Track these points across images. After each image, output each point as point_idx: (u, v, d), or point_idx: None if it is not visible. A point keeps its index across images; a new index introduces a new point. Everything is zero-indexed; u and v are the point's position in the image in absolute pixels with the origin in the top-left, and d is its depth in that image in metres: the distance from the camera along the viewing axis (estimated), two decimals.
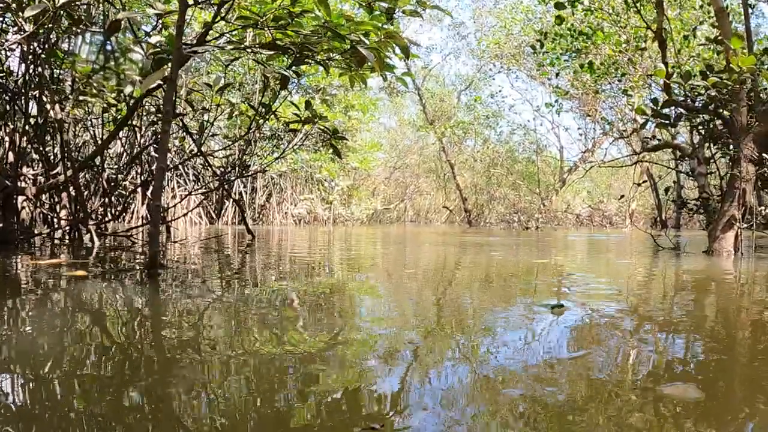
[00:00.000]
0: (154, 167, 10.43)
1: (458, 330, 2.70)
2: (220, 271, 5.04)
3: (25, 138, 6.98)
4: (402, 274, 5.25)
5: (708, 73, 6.79)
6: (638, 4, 9.31)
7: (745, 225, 7.36)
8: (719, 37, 7.58)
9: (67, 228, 7.29)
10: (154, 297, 3.46)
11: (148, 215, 7.64)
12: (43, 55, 6.58)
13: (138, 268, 4.88)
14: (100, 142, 7.59)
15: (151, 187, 13.06)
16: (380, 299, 3.74)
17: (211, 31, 5.69)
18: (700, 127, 8.99)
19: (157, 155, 12.33)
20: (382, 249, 8.86)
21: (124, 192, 9.76)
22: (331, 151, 7.04)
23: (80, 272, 4.31)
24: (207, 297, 3.47)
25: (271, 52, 5.45)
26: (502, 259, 6.94)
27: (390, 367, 2.05)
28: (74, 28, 6.50)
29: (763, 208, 7.70)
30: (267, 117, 7.07)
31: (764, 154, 7.10)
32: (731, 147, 7.68)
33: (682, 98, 8.26)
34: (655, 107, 7.73)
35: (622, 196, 18.19)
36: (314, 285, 4.16)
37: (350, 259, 6.86)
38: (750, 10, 8.13)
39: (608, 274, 5.74)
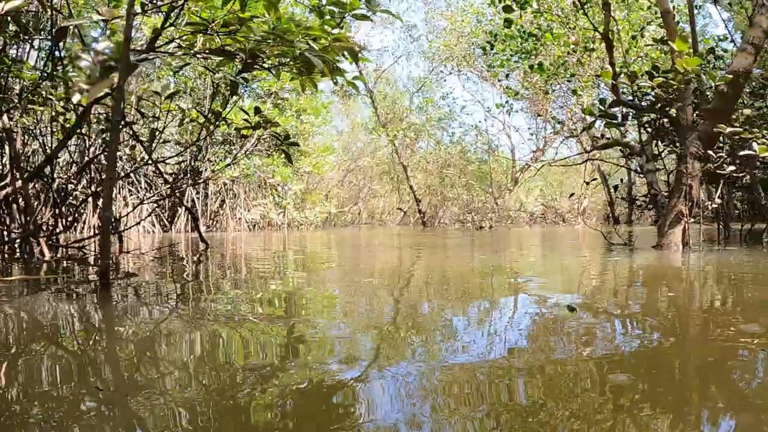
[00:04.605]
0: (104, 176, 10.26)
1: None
2: (177, 284, 4.99)
3: None
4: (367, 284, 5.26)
5: (654, 73, 6.94)
6: (586, 6, 9.47)
7: (693, 219, 7.53)
8: (665, 38, 7.76)
9: (17, 241, 7.14)
10: (107, 312, 3.42)
11: (99, 226, 7.52)
12: None
13: (91, 280, 4.80)
14: (49, 151, 7.45)
15: (101, 197, 12.86)
16: (337, 313, 3.75)
17: (160, 37, 5.63)
18: (647, 126, 9.19)
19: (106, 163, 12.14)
20: (338, 255, 8.86)
21: (74, 202, 9.59)
22: (283, 156, 7.01)
23: (30, 287, 4.24)
24: (160, 313, 3.44)
25: (221, 58, 5.42)
26: (465, 262, 7.00)
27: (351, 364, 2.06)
28: (21, 35, 6.38)
29: (710, 202, 7.89)
30: (217, 123, 7.02)
31: (709, 151, 7.28)
32: (678, 144, 7.86)
33: (629, 98, 8.42)
34: (602, 107, 7.87)
35: (573, 194, 18.45)
36: (269, 300, 4.16)
37: (305, 268, 6.86)
38: (696, 11, 8.34)
39: (563, 272, 5.83)
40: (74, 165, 10.68)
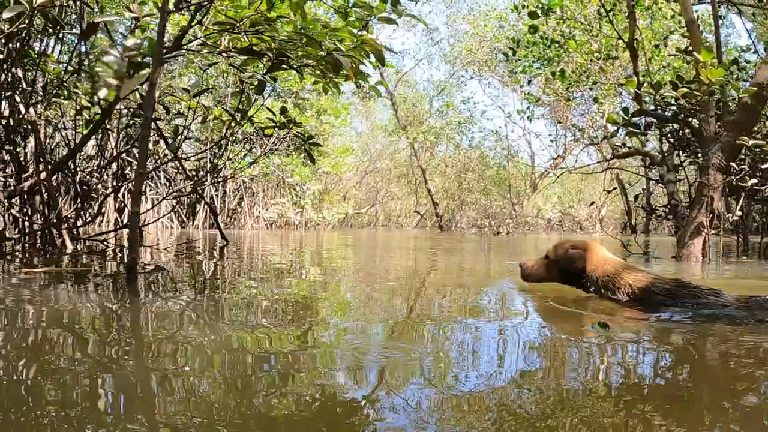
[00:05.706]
0: (127, 171, 10.37)
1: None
2: (200, 279, 5.03)
3: None
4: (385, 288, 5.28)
5: (678, 83, 6.91)
6: (611, 14, 9.45)
7: (713, 231, 7.50)
8: (689, 48, 7.72)
9: (39, 232, 7.21)
10: (135, 305, 3.45)
11: (127, 221, 7.57)
12: (15, 56, 6.50)
13: (117, 273, 4.85)
14: (72, 144, 7.52)
15: (122, 192, 12.97)
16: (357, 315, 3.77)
17: (186, 35, 5.68)
18: (669, 136, 9.16)
19: (130, 159, 12.24)
20: (356, 258, 8.88)
21: (95, 196, 9.68)
22: (303, 155, 7.05)
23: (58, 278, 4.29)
24: (187, 306, 3.48)
25: (247, 57, 5.47)
26: (484, 265, 7.00)
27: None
28: (48, 29, 6.46)
29: (730, 215, 7.85)
30: (243, 122, 7.06)
31: (731, 163, 7.25)
32: (699, 155, 7.83)
33: (652, 107, 8.40)
34: (625, 116, 7.85)
35: (593, 203, 18.37)
36: (290, 299, 4.19)
37: (325, 268, 6.89)
38: (720, 21, 8.29)
39: None
40: (97, 159, 10.76)
